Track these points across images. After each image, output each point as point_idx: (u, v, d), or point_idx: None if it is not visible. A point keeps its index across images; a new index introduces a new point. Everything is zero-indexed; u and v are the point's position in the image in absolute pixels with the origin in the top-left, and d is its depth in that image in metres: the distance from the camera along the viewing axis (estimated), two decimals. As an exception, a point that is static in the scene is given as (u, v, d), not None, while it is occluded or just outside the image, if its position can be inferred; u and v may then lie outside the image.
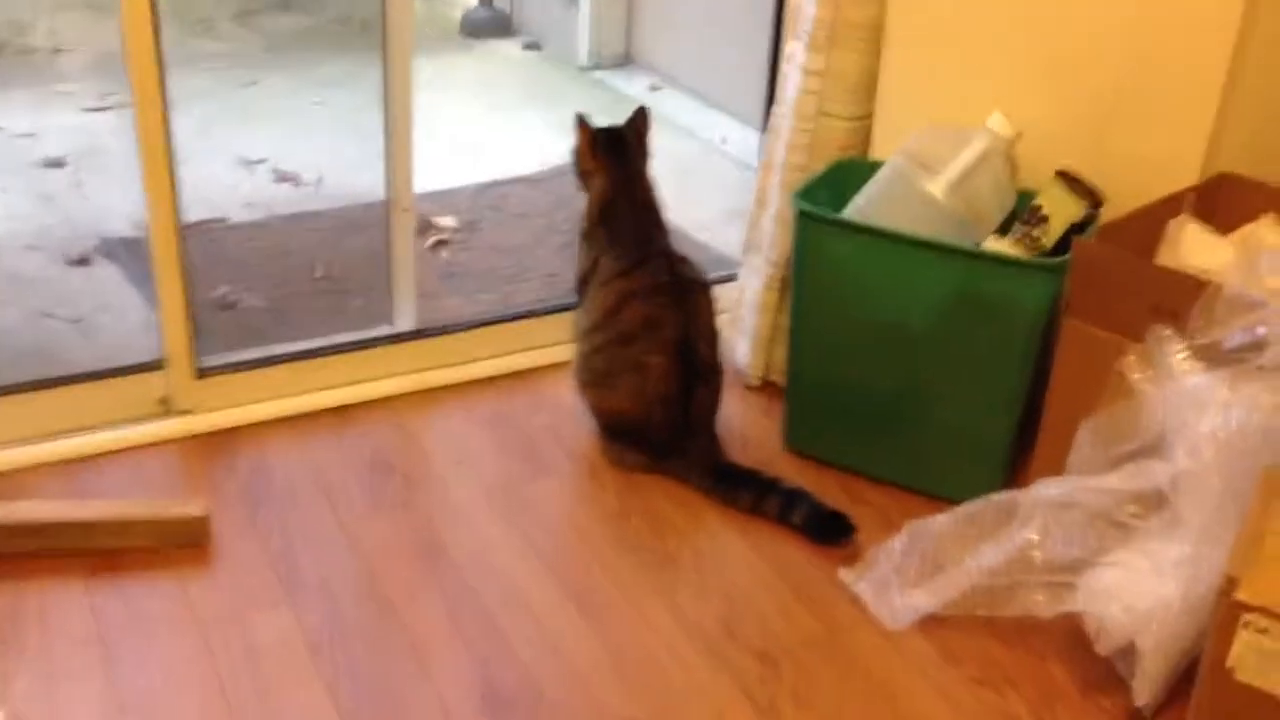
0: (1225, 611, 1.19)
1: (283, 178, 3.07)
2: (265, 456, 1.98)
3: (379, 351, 2.18)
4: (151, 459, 1.96)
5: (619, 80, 3.94)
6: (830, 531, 1.85)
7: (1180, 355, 1.49)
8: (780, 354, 2.19)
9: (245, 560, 1.76)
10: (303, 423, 2.07)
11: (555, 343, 2.26)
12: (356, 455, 2.00)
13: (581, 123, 2.02)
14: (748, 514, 1.90)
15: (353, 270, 2.62)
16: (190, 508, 1.80)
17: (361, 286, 2.52)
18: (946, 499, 1.80)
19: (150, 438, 1.99)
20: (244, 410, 2.05)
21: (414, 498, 1.92)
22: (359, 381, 2.14)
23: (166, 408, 2.03)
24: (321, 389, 2.11)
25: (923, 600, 1.70)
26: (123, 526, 1.76)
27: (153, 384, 2.01)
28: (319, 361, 2.13)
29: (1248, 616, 1.16)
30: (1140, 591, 1.49)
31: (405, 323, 2.25)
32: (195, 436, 2.01)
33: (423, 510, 1.89)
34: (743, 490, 1.91)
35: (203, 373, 2.03)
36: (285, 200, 2.96)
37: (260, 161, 3.12)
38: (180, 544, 1.77)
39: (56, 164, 3.05)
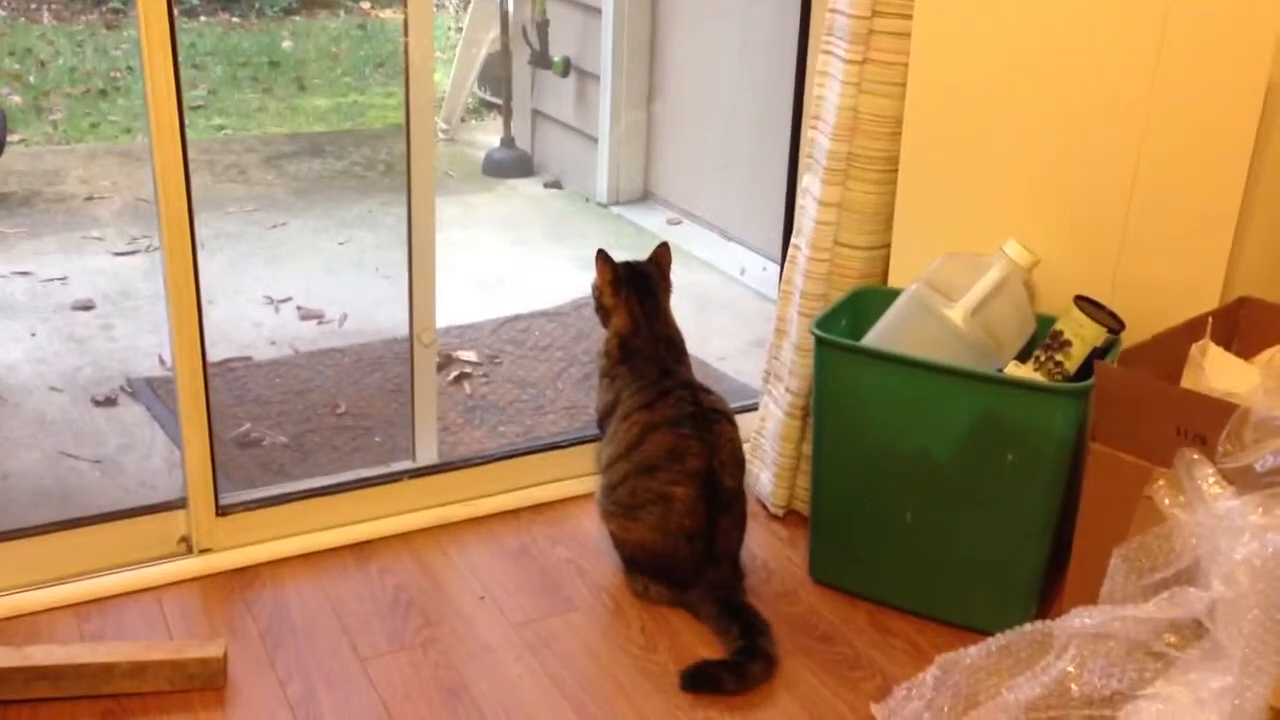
0: (1275, 746, 1.14)
1: (307, 315, 3.12)
2: (285, 594, 1.96)
3: (400, 486, 2.17)
4: (171, 599, 1.94)
5: (638, 215, 4.02)
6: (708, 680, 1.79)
7: (1210, 480, 1.47)
8: (803, 483, 2.18)
9: (263, 703, 1.73)
10: (324, 559, 2.05)
11: (577, 475, 2.25)
12: (378, 592, 1.98)
13: (603, 258, 2.05)
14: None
15: (375, 406, 2.64)
16: (208, 649, 1.77)
17: (383, 422, 2.54)
18: (977, 630, 1.76)
19: (170, 577, 1.97)
20: (265, 547, 2.04)
21: (435, 635, 1.89)
22: (380, 517, 2.13)
23: (187, 546, 2.02)
24: (342, 525, 2.11)
25: (958, 737, 1.64)
26: (139, 669, 1.73)
27: (174, 523, 2.01)
28: (340, 497, 2.12)
29: (1299, 751, 1.12)
30: (1184, 726, 1.43)
31: (427, 457, 2.25)
32: (215, 575, 2.00)
33: (444, 648, 1.86)
34: (732, 625, 1.86)
35: (224, 510, 2.03)
36: (309, 338, 3.01)
37: (285, 300, 3.18)
38: (198, 686, 1.74)
39: (85, 307, 3.11)
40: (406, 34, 1.99)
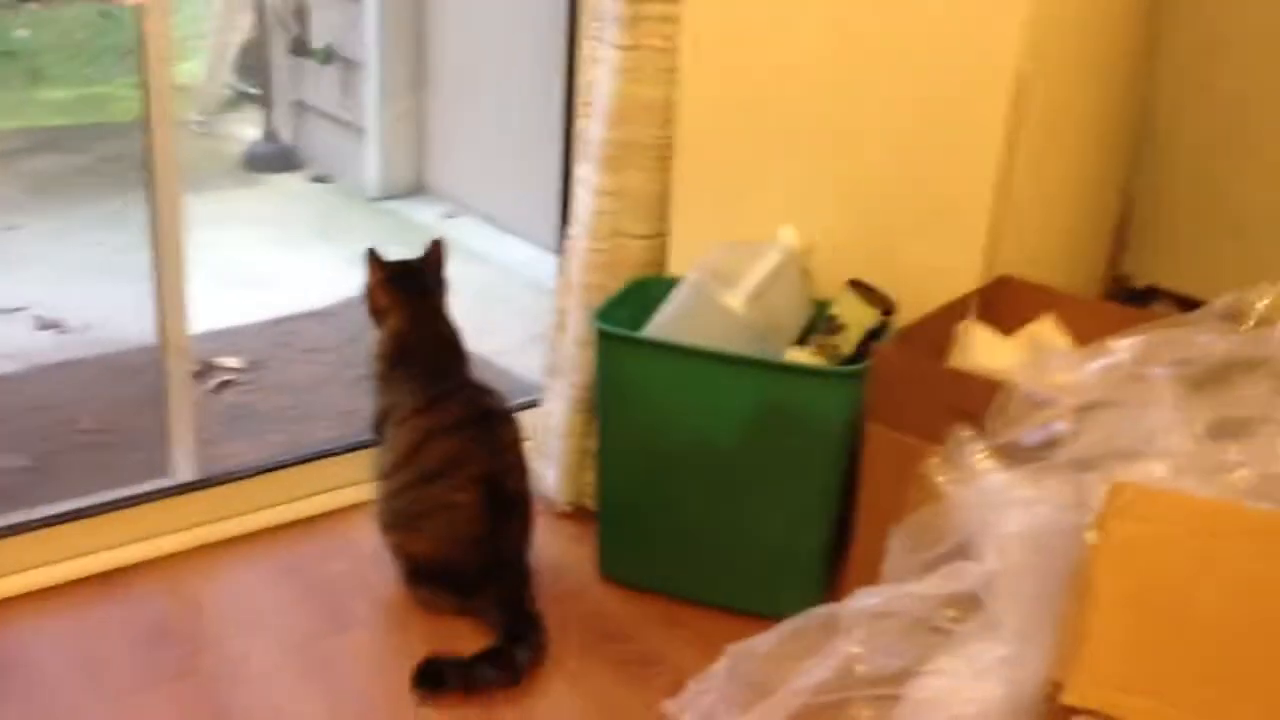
0: (1053, 717, 1.16)
1: (44, 325, 2.85)
2: (19, 637, 1.77)
3: (154, 506, 2.00)
4: (-116, 649, 1.72)
5: (411, 209, 3.90)
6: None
7: (980, 455, 1.50)
8: (590, 478, 2.13)
9: (-4, 759, 1.55)
10: (66, 593, 1.86)
11: (351, 483, 2.13)
12: (129, 625, 1.81)
13: (373, 258, 1.94)
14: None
15: (125, 420, 2.43)
16: (-71, 703, 1.57)
17: (135, 437, 2.34)
18: (768, 617, 1.75)
19: (-118, 625, 1.75)
20: (-4, 584, 1.84)
21: (198, 665, 1.74)
22: (132, 541, 1.96)
23: (-97, 588, 1.80)
24: (88, 553, 1.92)
25: (752, 727, 1.63)
26: None
27: (-115, 563, 1.79)
28: (85, 523, 1.93)
29: None
30: (965, 698, 1.46)
31: (185, 473, 2.08)
32: (-64, 619, 1.78)
33: (208, 679, 1.72)
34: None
35: (-56, 545, 1.81)
36: (48, 349, 2.75)
37: (19, 309, 2.90)
38: (-82, 747, 1.55)
39: None
40: (143, 17, 1.84)
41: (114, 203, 3.72)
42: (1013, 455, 1.46)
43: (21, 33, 5.42)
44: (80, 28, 5.59)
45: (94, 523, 1.94)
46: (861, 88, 1.86)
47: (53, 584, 1.87)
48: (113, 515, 1.96)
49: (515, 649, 1.76)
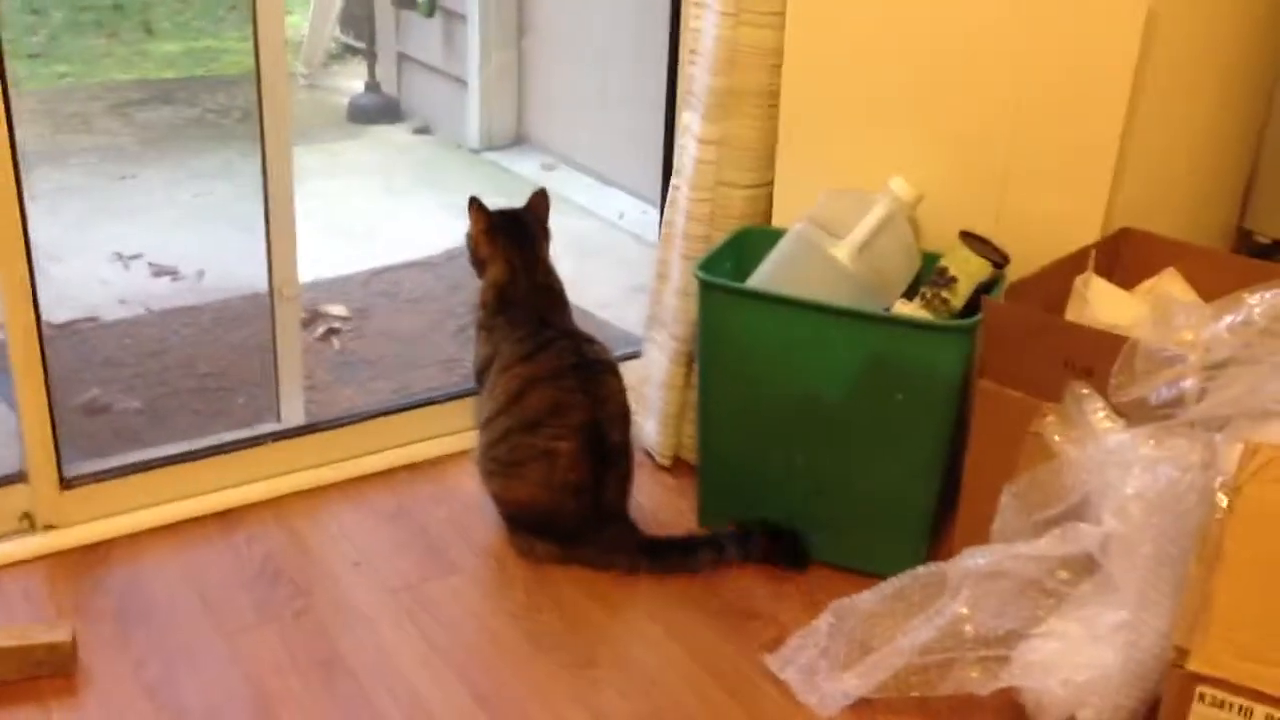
0: (1178, 684, 1.13)
1: (160, 272, 2.92)
2: (140, 571, 1.82)
3: (265, 449, 2.04)
4: (13, 580, 1.79)
5: (511, 161, 3.90)
6: (794, 553, 1.86)
7: (1100, 413, 1.45)
8: (690, 431, 2.12)
9: (119, 688, 1.60)
10: (183, 531, 1.92)
11: (455, 431, 2.15)
12: (243, 563, 1.86)
13: (476, 206, 1.94)
14: (710, 571, 1.86)
15: (236, 365, 2.48)
16: (56, 633, 1.63)
17: (246, 382, 2.39)
18: (870, 574, 1.73)
19: (11, 557, 1.82)
20: (116, 521, 1.89)
21: (307, 605, 1.78)
22: (244, 483, 2.00)
23: (30, 523, 1.86)
24: (203, 493, 1.97)
25: (853, 684, 1.61)
26: (-22, 659, 1.59)
27: (14, 498, 1.85)
28: (200, 464, 1.98)
29: (1202, 689, 1.10)
30: (1078, 662, 1.43)
31: (293, 418, 2.12)
32: (61, 553, 1.84)
33: (317, 619, 1.75)
34: (695, 554, 1.86)
35: (69, 483, 1.87)
36: (163, 295, 2.82)
37: (136, 256, 2.98)
38: (47, 674, 1.61)
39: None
40: (255, -30, 1.85)
41: (223, 154, 3.79)
42: (1136, 413, 1.41)
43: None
44: (189, -19, 5.69)
45: (207, 464, 1.99)
46: (978, 28, 1.79)
47: (169, 522, 1.92)
48: (225, 457, 2.00)
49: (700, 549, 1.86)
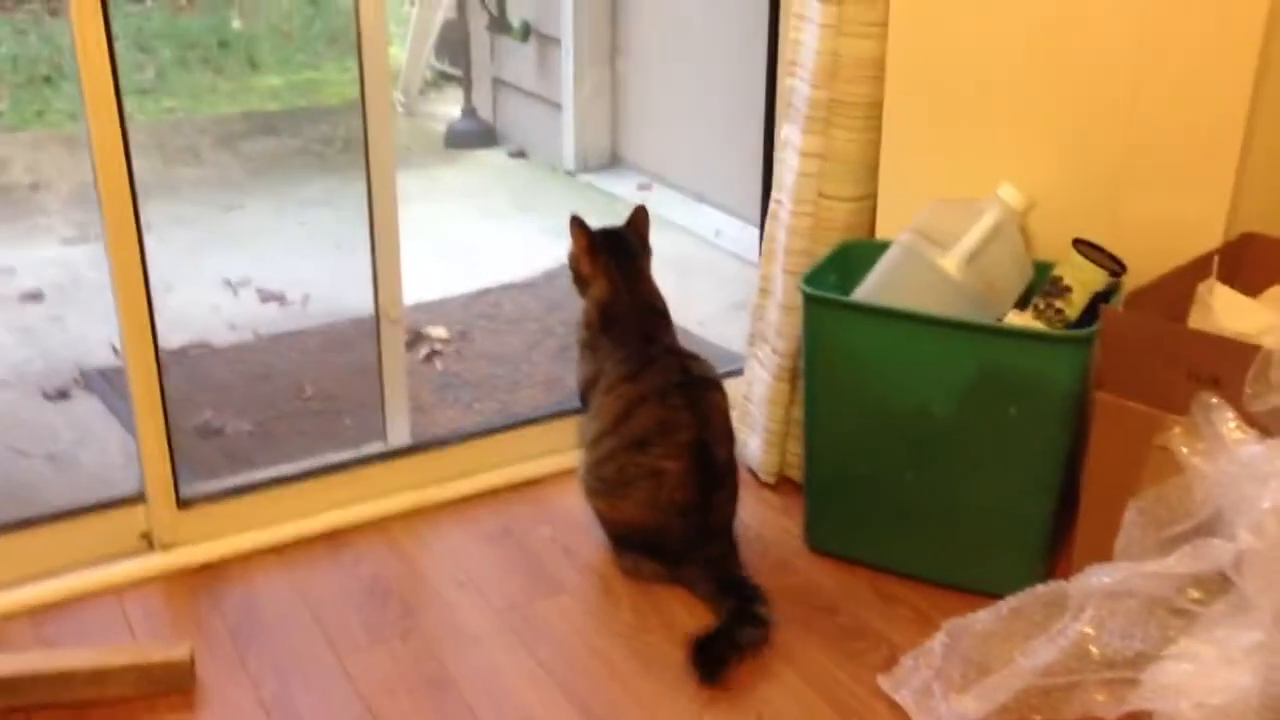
0: (1326, 708, 1.07)
1: (267, 298, 3.00)
2: (254, 590, 1.85)
3: (372, 470, 2.07)
4: (132, 599, 1.83)
5: (607, 182, 3.92)
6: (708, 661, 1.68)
7: (1231, 425, 1.39)
8: (794, 448, 2.09)
9: (236, 705, 1.63)
10: (294, 550, 1.95)
11: (557, 450, 2.15)
12: (353, 583, 1.88)
13: (577, 225, 1.94)
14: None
15: (342, 388, 2.53)
16: (174, 650, 1.67)
17: (352, 404, 2.43)
18: (985, 593, 1.68)
19: (131, 576, 1.86)
20: (230, 541, 1.93)
21: (416, 625, 1.79)
22: (352, 503, 2.03)
23: (148, 543, 1.91)
24: (313, 514, 2.00)
25: (971, 706, 1.56)
26: (101, 675, 1.63)
27: (133, 518, 1.90)
28: (308, 484, 2.01)
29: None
30: (1212, 686, 1.36)
31: (399, 438, 2.14)
32: (179, 572, 1.89)
33: (425, 639, 1.76)
34: (728, 598, 1.78)
35: (185, 503, 1.91)
36: (270, 320, 2.89)
37: (244, 283, 3.05)
38: (165, 691, 1.64)
39: (34, 297, 2.97)
40: (357, 6, 1.88)
41: (325, 182, 3.88)
42: (1271, 424, 1.34)
43: (236, 24, 5.71)
44: (289, 16, 5.86)
45: (316, 484, 2.02)
46: (1089, 28, 1.74)
47: (280, 541, 1.95)
48: (333, 477, 2.03)
49: (755, 609, 1.74)
